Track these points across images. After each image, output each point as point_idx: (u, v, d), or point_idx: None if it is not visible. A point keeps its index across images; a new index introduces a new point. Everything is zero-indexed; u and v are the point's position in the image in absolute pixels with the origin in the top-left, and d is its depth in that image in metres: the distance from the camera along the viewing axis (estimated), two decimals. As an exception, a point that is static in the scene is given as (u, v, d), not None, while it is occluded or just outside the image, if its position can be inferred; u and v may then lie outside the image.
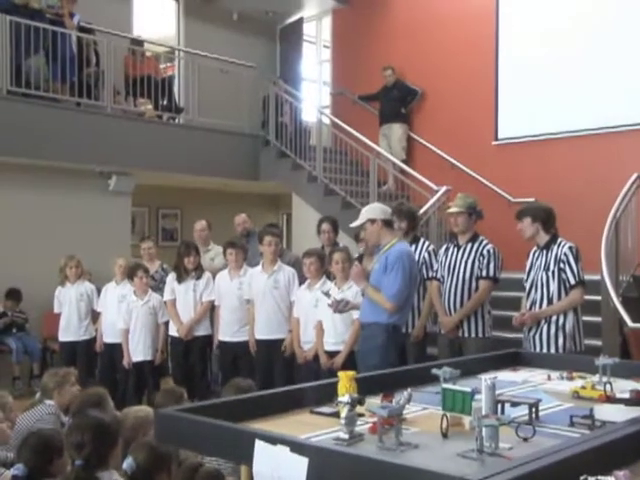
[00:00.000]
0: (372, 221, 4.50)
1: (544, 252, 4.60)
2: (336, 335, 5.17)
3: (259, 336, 5.79)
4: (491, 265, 4.95)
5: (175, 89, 9.37)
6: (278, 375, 5.66)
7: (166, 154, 8.35)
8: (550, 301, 4.53)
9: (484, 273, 4.95)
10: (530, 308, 4.63)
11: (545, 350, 4.48)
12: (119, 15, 9.07)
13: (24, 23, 7.22)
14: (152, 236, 7.98)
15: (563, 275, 4.49)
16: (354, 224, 4.72)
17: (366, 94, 9.67)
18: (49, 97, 7.54)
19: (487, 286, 4.97)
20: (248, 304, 5.91)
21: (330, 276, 5.57)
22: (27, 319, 7.60)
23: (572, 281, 4.47)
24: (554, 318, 4.52)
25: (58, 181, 7.87)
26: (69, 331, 6.54)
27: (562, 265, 4.49)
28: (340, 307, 4.74)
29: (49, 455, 2.87)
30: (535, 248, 4.70)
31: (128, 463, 2.77)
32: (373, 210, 4.58)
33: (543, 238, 4.61)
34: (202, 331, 6.19)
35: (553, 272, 4.51)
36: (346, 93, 10.07)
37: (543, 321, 4.54)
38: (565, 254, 4.50)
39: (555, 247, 4.56)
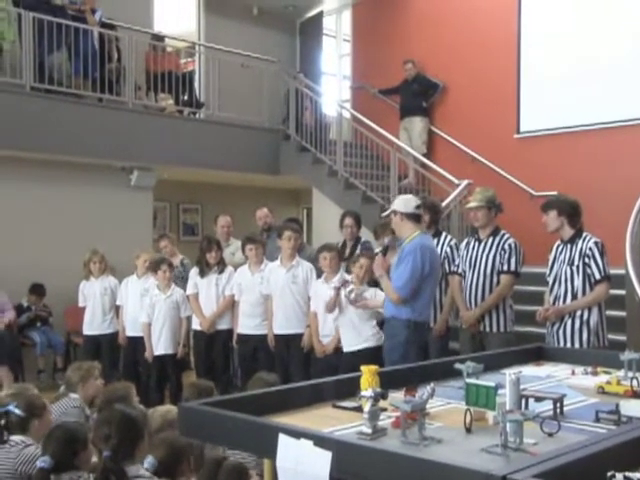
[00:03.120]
0: (395, 213, 4.50)
1: (568, 246, 4.55)
2: (354, 333, 5.16)
3: (278, 331, 5.80)
4: (512, 259, 4.91)
5: (196, 84, 9.41)
6: (296, 370, 5.67)
7: (187, 149, 8.38)
8: (574, 296, 4.49)
9: (505, 267, 4.92)
10: (554, 303, 4.59)
11: (569, 345, 4.44)
12: (140, 11, 9.11)
13: (47, 20, 7.28)
14: (166, 233, 7.99)
15: (588, 270, 4.44)
16: (383, 214, 4.74)
17: (386, 88, 9.62)
18: (71, 93, 7.60)
19: (508, 280, 4.93)
20: (267, 299, 5.92)
21: (348, 271, 5.57)
22: (51, 313, 7.68)
23: (597, 276, 4.42)
24: (578, 313, 4.47)
25: (80, 176, 7.93)
26: (93, 325, 6.61)
27: (587, 260, 4.44)
28: (355, 297, 4.76)
29: (74, 448, 2.90)
30: (559, 242, 4.65)
31: (149, 462, 2.80)
32: (398, 202, 4.57)
33: (568, 232, 4.56)
34: (224, 325, 6.23)
35: (578, 267, 4.46)
36: (366, 87, 10.03)
37: (567, 316, 4.50)
38: (590, 249, 4.44)
39: (580, 242, 4.51)
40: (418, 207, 4.55)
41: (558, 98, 8.10)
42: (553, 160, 8.11)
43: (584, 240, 4.50)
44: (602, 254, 4.45)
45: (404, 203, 4.51)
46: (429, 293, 4.57)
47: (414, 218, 4.50)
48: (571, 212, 4.55)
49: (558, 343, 4.49)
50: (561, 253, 4.59)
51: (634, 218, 5.69)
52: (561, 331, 4.51)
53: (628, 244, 5.44)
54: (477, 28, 8.86)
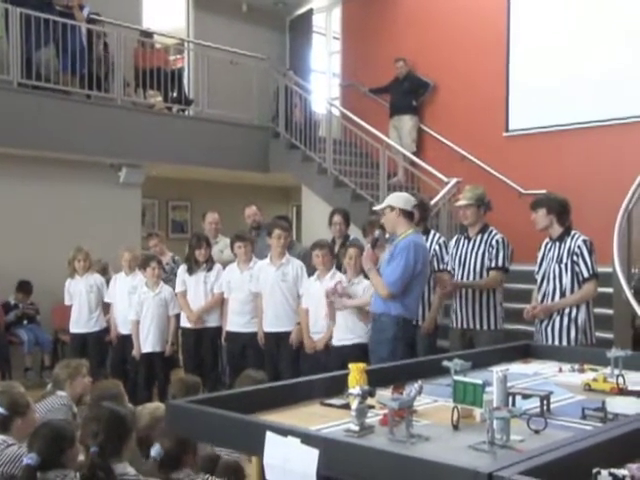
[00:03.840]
0: (391, 208, 4.48)
1: (557, 244, 4.57)
2: (346, 330, 5.17)
3: (267, 328, 5.80)
4: (500, 255, 4.93)
5: (185, 81, 9.37)
6: (285, 367, 5.68)
7: (176, 146, 8.35)
8: (563, 294, 4.51)
9: (493, 264, 4.93)
10: (542, 301, 4.61)
11: (557, 342, 4.46)
12: (128, 7, 9.07)
13: (34, 15, 7.23)
14: (156, 231, 7.93)
15: (576, 268, 4.47)
16: (376, 208, 4.74)
17: (377, 87, 9.60)
18: (59, 89, 7.55)
19: (496, 276, 4.95)
20: (257, 297, 5.91)
21: (341, 267, 5.57)
22: (38, 311, 7.64)
23: (585, 274, 4.44)
24: (566, 310, 4.50)
25: (68, 173, 7.89)
26: (80, 323, 6.56)
27: (575, 258, 4.46)
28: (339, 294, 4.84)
29: (61, 445, 2.88)
30: (547, 240, 4.67)
31: (156, 450, 2.76)
32: (396, 198, 4.56)
33: (557, 230, 4.58)
34: (213, 322, 6.21)
35: (566, 265, 4.48)
36: (357, 86, 10.03)
37: (555, 313, 4.52)
38: (579, 247, 4.47)
39: (569, 240, 4.53)
40: (415, 206, 4.59)
41: (547, 97, 8.12)
42: (542, 158, 8.14)
43: (573, 238, 4.53)
44: (590, 252, 4.47)
45: (404, 200, 4.52)
46: (419, 290, 4.62)
47: (410, 216, 4.52)
48: (560, 210, 4.57)
49: (546, 341, 4.51)
50: (550, 251, 4.61)
51: (621, 216, 5.72)
52: (549, 329, 4.53)
53: (616, 242, 5.47)
54: (466, 27, 8.87)
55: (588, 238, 4.53)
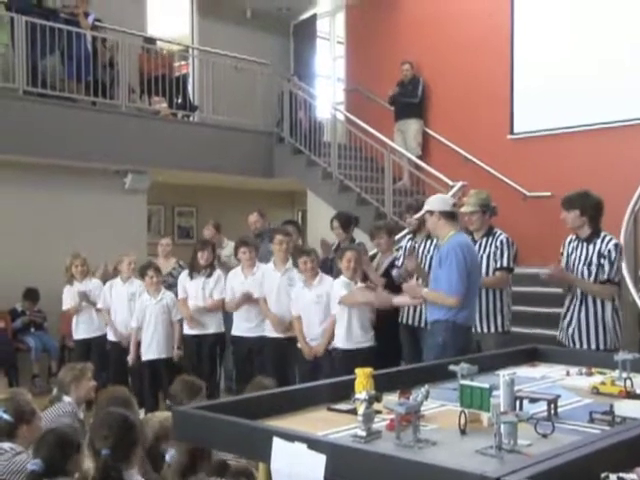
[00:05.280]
0: (430, 213, 4.36)
1: (584, 244, 4.46)
2: (356, 334, 5.10)
3: (272, 334, 5.78)
4: (505, 255, 4.89)
5: (189, 87, 9.40)
6: (292, 372, 5.65)
7: (181, 152, 8.37)
8: (587, 295, 4.40)
9: (498, 264, 4.89)
10: (571, 301, 4.50)
11: (585, 346, 4.34)
12: (133, 14, 9.10)
13: (39, 23, 7.27)
14: (171, 234, 8.03)
15: (600, 269, 4.36)
16: (415, 216, 4.66)
17: (391, 95, 9.48)
18: (64, 97, 7.59)
19: (502, 276, 4.91)
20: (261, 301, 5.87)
21: (333, 272, 5.52)
22: (45, 318, 7.65)
23: (605, 277, 4.35)
24: (592, 310, 4.39)
25: (74, 180, 7.91)
26: (82, 329, 6.55)
27: (602, 260, 4.35)
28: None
29: (66, 451, 2.87)
30: (573, 236, 4.56)
31: (170, 455, 2.75)
32: (433, 201, 4.44)
33: (586, 231, 4.47)
34: (214, 329, 6.18)
35: (596, 266, 4.37)
36: (360, 89, 10.03)
37: (583, 316, 4.41)
38: (609, 250, 4.36)
39: (599, 241, 4.41)
40: (454, 205, 4.46)
41: (551, 99, 8.11)
42: (546, 161, 8.12)
43: (603, 241, 4.41)
44: (618, 256, 4.37)
45: (441, 201, 4.41)
46: (470, 294, 4.27)
47: (451, 216, 4.35)
48: (594, 214, 4.45)
49: (573, 345, 4.39)
50: (576, 250, 4.50)
51: (628, 218, 5.71)
52: (576, 335, 4.41)
53: (622, 244, 5.44)
54: (470, 30, 8.87)
55: (619, 242, 4.44)
